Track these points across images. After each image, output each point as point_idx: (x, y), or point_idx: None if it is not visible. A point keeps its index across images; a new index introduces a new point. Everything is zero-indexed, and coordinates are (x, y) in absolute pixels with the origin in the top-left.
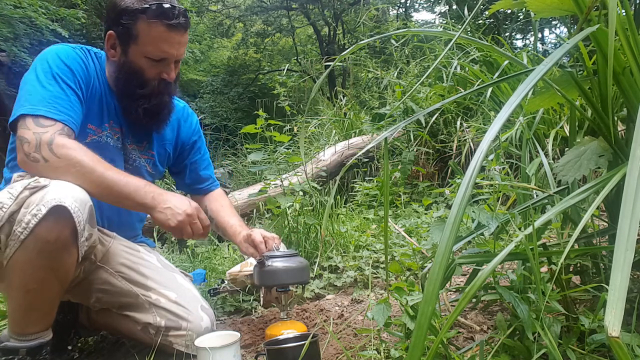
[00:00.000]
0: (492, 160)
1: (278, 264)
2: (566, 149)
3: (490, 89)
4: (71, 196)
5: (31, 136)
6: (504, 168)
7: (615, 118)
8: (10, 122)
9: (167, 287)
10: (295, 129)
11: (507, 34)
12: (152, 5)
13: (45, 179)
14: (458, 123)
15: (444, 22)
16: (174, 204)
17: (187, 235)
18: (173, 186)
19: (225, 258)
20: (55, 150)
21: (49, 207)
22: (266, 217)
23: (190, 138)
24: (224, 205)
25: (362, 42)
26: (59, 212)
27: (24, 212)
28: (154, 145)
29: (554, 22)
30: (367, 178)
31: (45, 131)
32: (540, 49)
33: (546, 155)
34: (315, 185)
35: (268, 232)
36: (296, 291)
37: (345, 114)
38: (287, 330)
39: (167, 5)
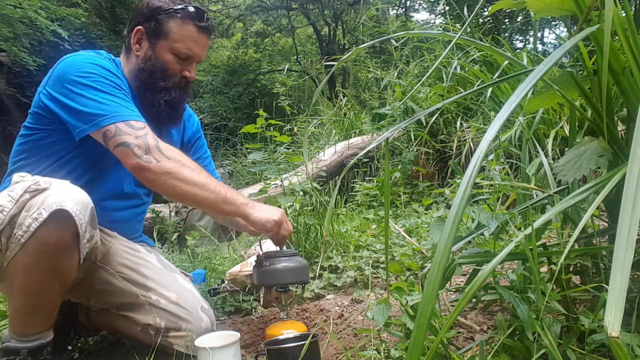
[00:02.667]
0: (492, 160)
1: (277, 264)
2: (566, 149)
3: (490, 89)
4: (72, 199)
5: (136, 140)
6: (504, 168)
7: (615, 118)
8: (85, 132)
9: (167, 288)
10: (296, 129)
11: (507, 34)
12: (187, 6)
13: (46, 181)
14: (458, 123)
15: (444, 22)
16: (267, 207)
17: (274, 234)
18: None
19: (225, 258)
20: (164, 152)
21: (50, 211)
22: None
23: (193, 136)
24: None
25: (362, 45)
26: (60, 216)
27: (25, 216)
28: None
29: (554, 23)
30: (367, 178)
31: (144, 133)
32: (540, 49)
33: (546, 155)
34: (316, 185)
35: None
36: (296, 291)
37: (345, 114)
38: (287, 330)
39: (199, 9)
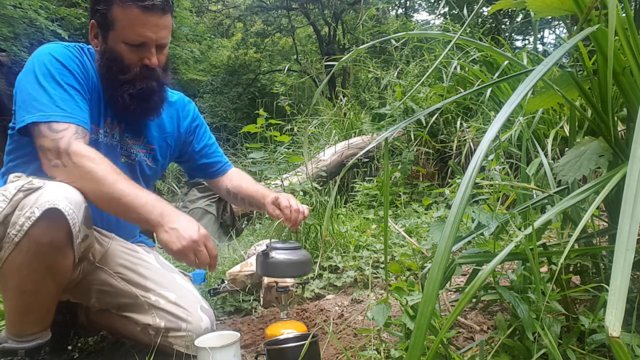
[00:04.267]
0: (492, 160)
1: (280, 255)
2: (566, 149)
3: (490, 89)
4: (65, 198)
5: (50, 144)
6: (504, 168)
7: (615, 118)
8: (19, 128)
9: (166, 288)
10: (296, 129)
11: (507, 34)
12: None
13: (39, 181)
14: (458, 123)
15: (444, 22)
16: (182, 225)
17: (190, 262)
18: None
19: (225, 258)
20: (72, 157)
21: (43, 210)
22: (266, 217)
23: (191, 125)
24: (243, 178)
25: (362, 46)
26: (52, 215)
27: (18, 215)
28: (153, 138)
29: (554, 23)
30: (367, 178)
31: (61, 137)
32: (540, 49)
33: (546, 155)
34: (316, 185)
35: (297, 202)
36: (296, 291)
37: (345, 114)
38: (287, 330)
39: None
